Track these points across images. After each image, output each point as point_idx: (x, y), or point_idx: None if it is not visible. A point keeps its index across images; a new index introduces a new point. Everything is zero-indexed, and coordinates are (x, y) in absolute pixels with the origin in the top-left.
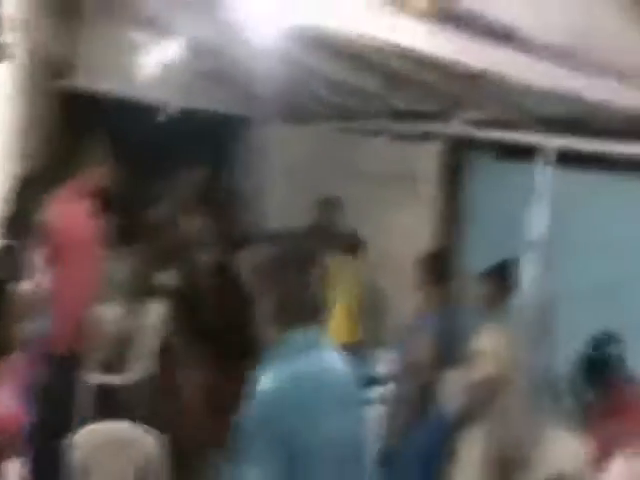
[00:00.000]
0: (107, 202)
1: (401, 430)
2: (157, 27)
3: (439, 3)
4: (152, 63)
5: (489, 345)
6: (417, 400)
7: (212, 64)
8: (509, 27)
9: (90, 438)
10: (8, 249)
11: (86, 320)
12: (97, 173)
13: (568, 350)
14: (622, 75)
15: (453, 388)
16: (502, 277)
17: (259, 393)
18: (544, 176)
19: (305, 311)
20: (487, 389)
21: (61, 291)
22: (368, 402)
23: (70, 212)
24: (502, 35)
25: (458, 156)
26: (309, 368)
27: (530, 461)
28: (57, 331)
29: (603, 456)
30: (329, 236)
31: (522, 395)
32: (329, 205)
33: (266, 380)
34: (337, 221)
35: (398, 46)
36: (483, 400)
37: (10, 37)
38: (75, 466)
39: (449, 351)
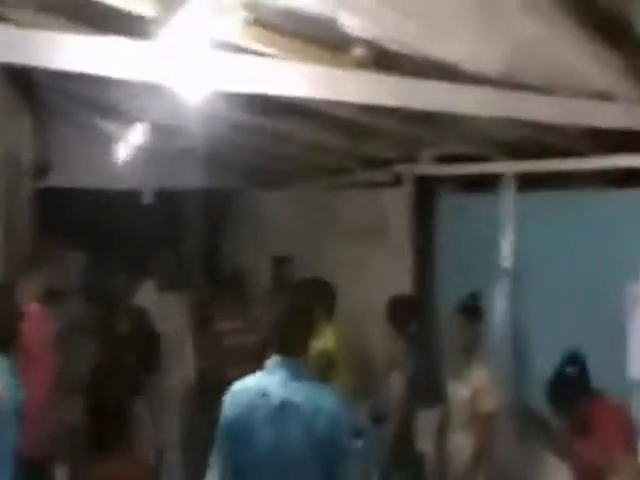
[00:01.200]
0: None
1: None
2: (122, 115)
3: (384, 49)
4: (124, 151)
5: (484, 380)
6: (395, 443)
7: (178, 143)
8: (452, 64)
9: None
10: None
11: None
12: (46, 274)
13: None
14: (565, 93)
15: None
16: (474, 309)
17: (229, 391)
18: (507, 203)
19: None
20: (492, 423)
21: (30, 395)
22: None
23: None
24: (447, 72)
25: (428, 195)
26: (262, 383)
27: None
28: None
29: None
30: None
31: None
32: (283, 262)
33: (239, 382)
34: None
35: (353, 101)
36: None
37: None
38: None
39: (423, 392)
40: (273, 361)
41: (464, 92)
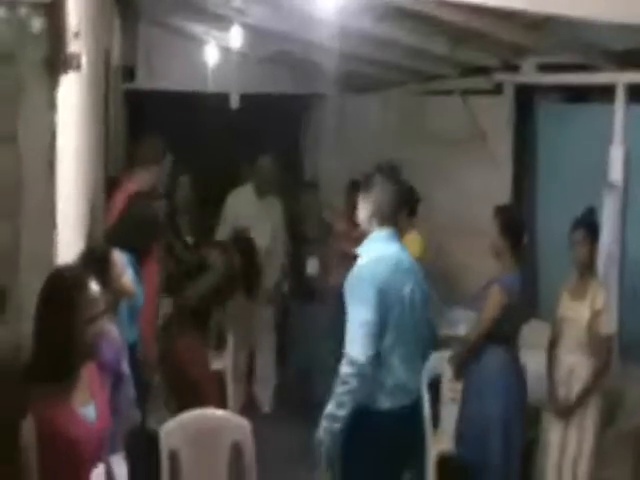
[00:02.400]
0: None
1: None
2: (215, 18)
3: None
4: (214, 54)
5: (603, 300)
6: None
7: (274, 47)
8: None
9: (180, 428)
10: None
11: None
12: (148, 172)
13: None
14: None
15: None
16: (591, 225)
17: (361, 264)
18: (618, 114)
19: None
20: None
21: (146, 294)
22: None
23: None
24: None
25: (529, 106)
26: (388, 251)
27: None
28: (146, 333)
29: None
30: None
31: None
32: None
33: (365, 255)
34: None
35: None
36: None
37: (75, 47)
38: (166, 456)
39: (527, 305)
40: (385, 233)
41: None
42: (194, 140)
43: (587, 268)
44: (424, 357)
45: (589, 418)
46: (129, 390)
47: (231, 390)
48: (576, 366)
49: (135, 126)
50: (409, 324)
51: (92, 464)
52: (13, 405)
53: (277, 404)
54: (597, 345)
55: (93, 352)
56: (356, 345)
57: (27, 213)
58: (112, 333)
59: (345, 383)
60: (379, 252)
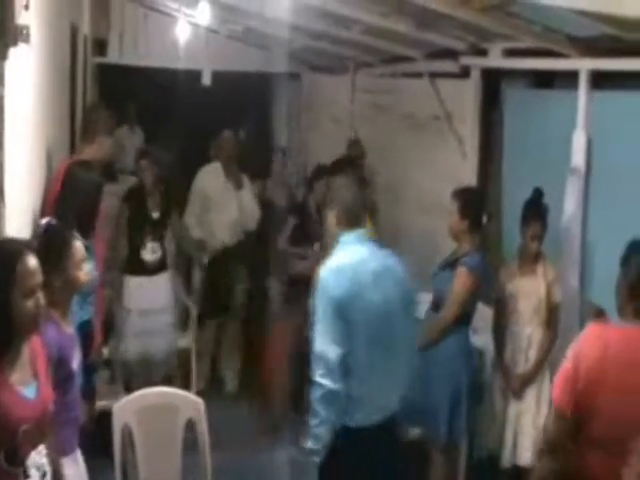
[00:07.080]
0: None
1: None
2: None
3: None
4: (184, 31)
5: (553, 273)
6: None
7: (243, 26)
8: None
9: (133, 405)
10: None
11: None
12: (100, 145)
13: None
14: None
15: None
16: (537, 205)
17: (322, 277)
18: (581, 100)
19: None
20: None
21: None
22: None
23: None
24: None
25: (495, 90)
26: (353, 258)
27: None
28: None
29: None
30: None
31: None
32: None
33: (326, 268)
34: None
35: None
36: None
37: (25, 19)
38: (119, 432)
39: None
40: (355, 235)
41: None
42: (166, 116)
43: (532, 245)
44: (407, 370)
45: (545, 390)
46: (76, 390)
47: (194, 368)
48: (533, 336)
49: (109, 100)
50: (383, 335)
51: (31, 445)
52: None
53: (242, 383)
54: (550, 315)
55: (32, 327)
56: (318, 370)
57: None
58: (64, 329)
59: (315, 414)
60: (347, 259)
